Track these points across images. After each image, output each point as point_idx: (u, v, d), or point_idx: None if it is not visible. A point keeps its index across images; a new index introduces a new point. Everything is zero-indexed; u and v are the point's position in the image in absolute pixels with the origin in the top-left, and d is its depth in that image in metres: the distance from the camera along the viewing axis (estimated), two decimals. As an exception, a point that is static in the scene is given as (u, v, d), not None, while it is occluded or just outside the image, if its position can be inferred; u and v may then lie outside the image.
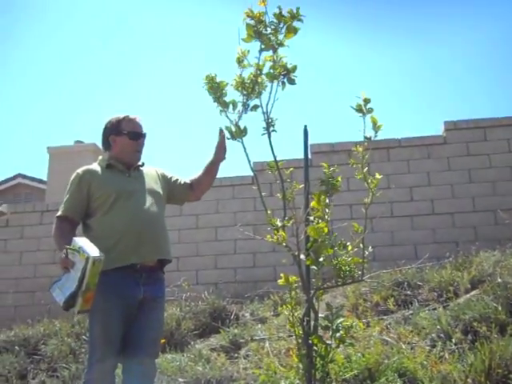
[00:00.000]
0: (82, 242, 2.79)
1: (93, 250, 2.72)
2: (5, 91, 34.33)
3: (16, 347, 5.46)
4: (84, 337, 5.20)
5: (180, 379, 4.08)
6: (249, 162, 3.10)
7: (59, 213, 3.08)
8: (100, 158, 3.25)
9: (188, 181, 3.40)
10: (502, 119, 7.38)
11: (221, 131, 3.29)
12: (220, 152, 3.33)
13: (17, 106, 35.40)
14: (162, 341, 4.81)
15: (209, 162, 3.37)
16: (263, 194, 3.14)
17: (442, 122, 7.53)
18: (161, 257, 3.07)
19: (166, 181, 3.33)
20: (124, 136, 3.15)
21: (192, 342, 5.09)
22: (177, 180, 3.39)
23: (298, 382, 3.19)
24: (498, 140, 7.26)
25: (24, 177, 17.93)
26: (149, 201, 3.10)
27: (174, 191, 3.33)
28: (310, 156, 6.74)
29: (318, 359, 2.81)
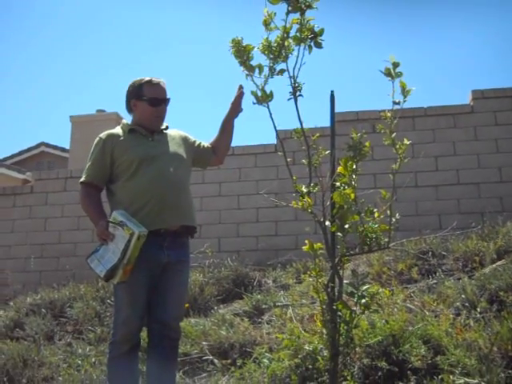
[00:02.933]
0: (122, 215, 2.82)
1: (136, 225, 2.77)
2: (28, 61, 34.46)
3: (43, 310, 5.58)
4: (109, 301, 5.28)
5: (204, 343, 4.13)
6: (274, 127, 3.06)
7: (83, 179, 3.07)
8: (123, 121, 3.23)
9: (209, 145, 3.39)
10: (532, 88, 7.20)
11: (240, 87, 3.27)
12: (235, 107, 3.31)
13: (40, 76, 35.54)
14: (186, 305, 4.88)
15: (223, 120, 3.35)
16: (288, 160, 3.12)
17: (469, 90, 7.38)
18: (184, 223, 3.06)
19: (189, 144, 3.30)
20: (144, 102, 3.10)
21: (215, 307, 5.14)
22: (200, 143, 3.37)
23: (321, 346, 3.20)
24: (526, 109, 7.09)
25: (47, 145, 18.09)
26: (173, 164, 3.08)
27: (197, 155, 3.31)
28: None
29: (342, 325, 2.81)
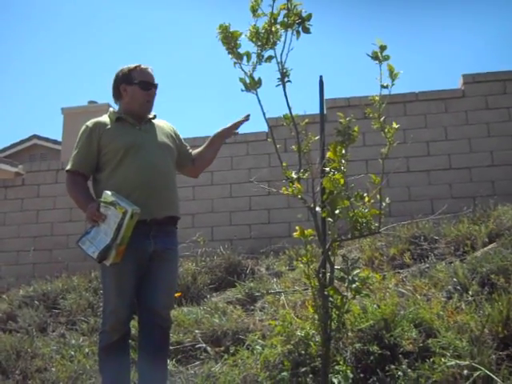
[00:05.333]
0: (113, 195, 2.78)
1: (129, 204, 2.74)
2: (19, 53, 34.17)
3: (35, 302, 5.56)
4: (102, 291, 5.26)
5: (196, 331, 4.13)
6: (263, 114, 3.05)
7: (69, 166, 3.04)
8: (110, 109, 3.20)
9: (191, 153, 3.38)
10: (523, 71, 7.20)
11: (247, 115, 3.28)
12: (232, 129, 3.29)
13: (31, 68, 35.26)
14: (178, 294, 4.88)
15: (215, 134, 3.34)
16: (278, 146, 3.11)
17: (460, 75, 7.37)
18: (168, 213, 3.04)
19: (176, 138, 3.29)
20: (135, 85, 3.08)
21: (208, 296, 5.14)
22: (185, 145, 3.35)
23: (313, 332, 3.20)
24: (518, 92, 7.10)
25: (39, 138, 18.00)
26: (159, 154, 3.06)
27: (178, 154, 3.27)
28: (325, 111, 6.64)
29: (333, 310, 2.81)
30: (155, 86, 3.16)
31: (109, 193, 2.79)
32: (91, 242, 2.80)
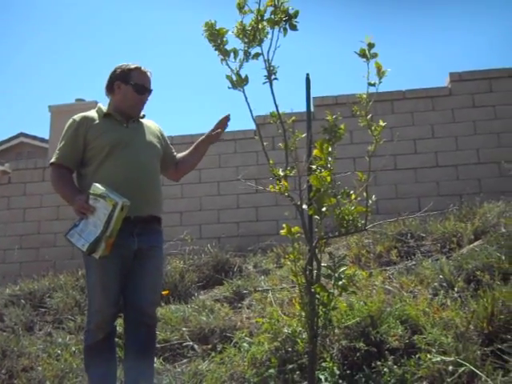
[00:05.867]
0: (103, 186, 2.76)
1: (118, 196, 2.72)
2: (6, 50, 33.87)
3: (22, 300, 5.52)
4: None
5: (184, 329, 4.12)
6: (250, 111, 3.03)
7: (54, 159, 3.01)
8: (99, 105, 3.18)
9: (177, 157, 3.37)
10: (509, 70, 7.26)
11: (227, 115, 3.27)
12: (214, 133, 3.26)
13: (18, 66, 34.97)
14: (166, 292, 4.88)
15: (200, 140, 3.33)
16: (265, 144, 3.11)
17: (447, 73, 7.42)
18: (152, 212, 3.04)
19: (163, 139, 3.29)
20: (130, 86, 3.07)
21: (196, 294, 5.13)
22: (170, 147, 3.35)
23: (300, 329, 3.21)
24: (504, 91, 7.18)
25: (26, 136, 17.88)
26: (145, 153, 3.06)
27: (164, 156, 3.26)
28: (312, 109, 6.65)
29: (320, 307, 2.82)
30: (149, 92, 3.15)
31: (98, 185, 2.78)
32: (80, 235, 2.78)
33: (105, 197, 2.71)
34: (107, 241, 2.72)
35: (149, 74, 3.15)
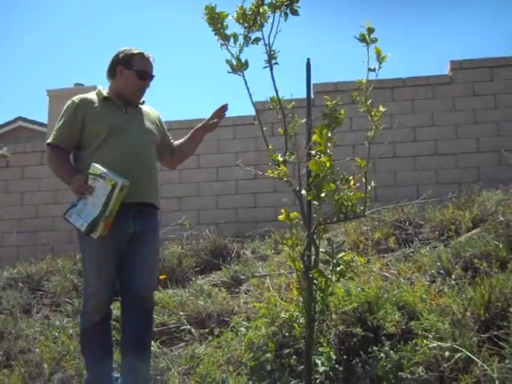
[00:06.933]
0: (102, 166, 2.76)
1: (118, 176, 2.72)
2: (4, 34, 33.65)
3: (19, 283, 5.53)
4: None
5: (181, 313, 4.13)
6: (250, 96, 3.01)
7: (51, 140, 3.00)
8: (99, 87, 3.15)
9: (173, 144, 3.36)
10: (509, 59, 7.22)
11: (225, 105, 3.27)
12: (211, 121, 3.26)
13: (17, 50, 34.77)
14: (164, 277, 4.88)
15: (196, 128, 3.32)
16: (264, 129, 3.09)
17: (448, 61, 7.38)
18: (147, 200, 3.03)
19: (161, 126, 3.27)
20: (132, 71, 3.05)
21: (193, 279, 5.13)
22: (168, 135, 3.34)
23: (297, 314, 3.22)
24: (504, 80, 7.14)
25: (24, 120, 17.80)
26: (142, 139, 3.05)
27: (160, 142, 3.25)
28: (312, 96, 6.62)
29: (318, 292, 2.82)
30: (151, 78, 3.13)
31: (97, 165, 2.78)
32: (78, 215, 2.78)
33: (104, 177, 2.72)
34: (106, 221, 2.72)
35: (151, 59, 3.13)
